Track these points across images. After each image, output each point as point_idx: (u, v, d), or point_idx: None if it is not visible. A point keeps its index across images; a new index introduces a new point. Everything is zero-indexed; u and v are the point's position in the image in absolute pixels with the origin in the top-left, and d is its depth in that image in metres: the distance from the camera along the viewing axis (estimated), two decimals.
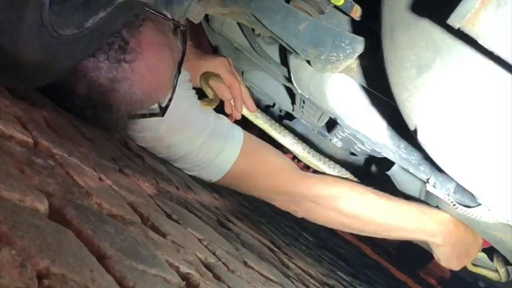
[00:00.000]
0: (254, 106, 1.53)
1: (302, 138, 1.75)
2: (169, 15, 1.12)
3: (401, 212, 1.39)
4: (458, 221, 1.38)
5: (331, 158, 1.65)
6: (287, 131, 1.61)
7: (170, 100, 1.16)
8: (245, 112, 1.54)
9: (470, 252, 1.43)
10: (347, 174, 1.57)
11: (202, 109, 1.36)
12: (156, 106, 1.16)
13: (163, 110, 1.16)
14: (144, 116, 1.16)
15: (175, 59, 1.15)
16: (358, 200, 1.40)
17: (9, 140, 0.64)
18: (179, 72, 1.17)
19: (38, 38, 0.74)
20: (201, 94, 1.41)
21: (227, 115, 1.48)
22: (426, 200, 1.49)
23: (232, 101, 1.48)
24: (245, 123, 1.53)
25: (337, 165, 1.59)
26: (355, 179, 1.56)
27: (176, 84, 1.17)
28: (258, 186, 1.43)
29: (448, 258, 1.42)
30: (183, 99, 1.26)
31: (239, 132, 1.39)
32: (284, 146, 1.65)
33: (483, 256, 1.49)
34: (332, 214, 1.42)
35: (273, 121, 1.62)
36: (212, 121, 1.35)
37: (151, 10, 1.07)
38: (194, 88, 1.38)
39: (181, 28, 1.18)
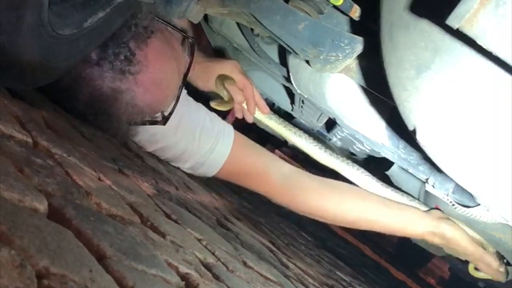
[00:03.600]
0: (267, 107, 1.52)
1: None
2: (179, 26, 1.12)
3: (385, 219, 1.43)
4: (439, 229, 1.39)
5: None
6: (301, 131, 1.57)
7: (173, 110, 1.16)
8: (257, 114, 1.52)
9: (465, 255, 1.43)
10: (365, 173, 1.53)
11: (194, 108, 1.36)
12: (159, 114, 1.17)
13: (165, 119, 1.16)
14: (146, 123, 1.16)
15: (180, 71, 1.15)
16: (341, 209, 1.44)
17: (9, 140, 0.64)
18: (184, 83, 1.17)
19: (37, 38, 0.74)
20: (194, 95, 1.41)
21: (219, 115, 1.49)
22: (425, 200, 1.49)
23: (244, 104, 1.47)
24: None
25: (355, 164, 1.54)
26: (374, 180, 1.52)
27: (180, 94, 1.16)
28: (250, 183, 1.45)
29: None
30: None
31: (230, 130, 1.41)
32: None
33: None
34: (313, 214, 1.48)
35: (287, 122, 1.58)
36: (202, 119, 1.36)
37: (161, 20, 1.07)
38: (188, 88, 1.39)
39: (190, 40, 1.17)
